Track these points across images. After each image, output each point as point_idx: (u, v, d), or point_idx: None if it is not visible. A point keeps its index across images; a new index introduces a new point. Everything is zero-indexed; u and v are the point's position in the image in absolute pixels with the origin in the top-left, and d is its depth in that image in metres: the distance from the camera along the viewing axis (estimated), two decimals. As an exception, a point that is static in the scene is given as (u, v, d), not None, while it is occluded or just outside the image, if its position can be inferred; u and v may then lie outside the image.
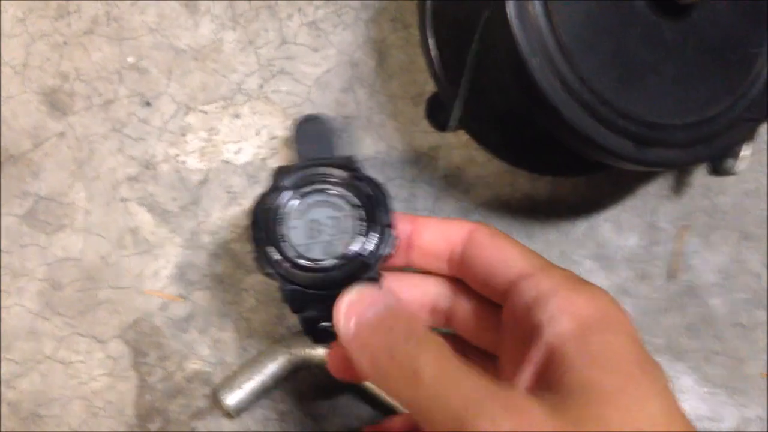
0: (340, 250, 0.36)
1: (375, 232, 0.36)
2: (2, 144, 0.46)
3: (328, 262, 0.36)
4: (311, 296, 0.35)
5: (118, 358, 0.44)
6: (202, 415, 0.44)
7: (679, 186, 0.49)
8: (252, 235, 0.35)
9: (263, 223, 0.36)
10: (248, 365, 0.44)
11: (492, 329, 0.36)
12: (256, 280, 0.46)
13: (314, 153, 0.39)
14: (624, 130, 0.37)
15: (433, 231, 0.36)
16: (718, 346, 0.47)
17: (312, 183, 0.37)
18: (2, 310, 0.44)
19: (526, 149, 0.44)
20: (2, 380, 0.44)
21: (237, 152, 0.47)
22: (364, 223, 0.36)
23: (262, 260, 0.35)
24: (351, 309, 0.32)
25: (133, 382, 0.44)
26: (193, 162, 0.47)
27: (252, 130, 0.47)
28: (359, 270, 0.35)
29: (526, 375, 0.30)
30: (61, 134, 0.46)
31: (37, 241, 0.45)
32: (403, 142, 0.48)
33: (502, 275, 0.33)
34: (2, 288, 0.44)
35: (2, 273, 0.44)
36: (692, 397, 0.46)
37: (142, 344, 0.44)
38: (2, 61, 0.46)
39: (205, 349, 0.45)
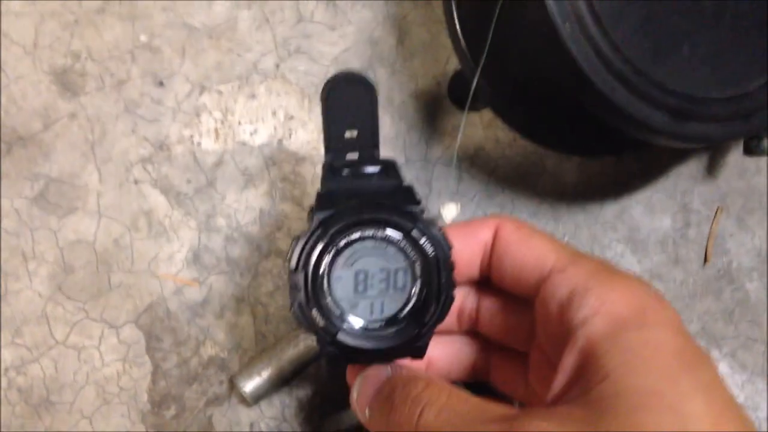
0: (391, 311, 0.31)
1: (434, 294, 0.30)
2: (12, 125, 0.44)
3: (377, 329, 0.31)
4: (352, 359, 0.31)
5: (132, 344, 0.43)
6: (218, 401, 0.43)
7: (714, 166, 0.46)
8: (290, 290, 0.30)
9: (302, 276, 0.29)
10: (267, 352, 0.42)
11: (519, 326, 0.34)
12: (273, 264, 0.44)
13: (346, 123, 0.32)
14: (659, 103, 0.36)
15: (461, 239, 0.33)
16: (756, 333, 0.45)
17: (362, 227, 0.30)
18: (11, 294, 0.43)
19: (553, 127, 0.42)
20: (12, 366, 0.42)
21: (253, 133, 0.46)
22: (421, 282, 0.31)
23: (303, 322, 0.30)
24: (361, 399, 0.31)
25: (147, 368, 0.43)
26: (208, 143, 0.45)
27: (268, 111, 0.46)
28: (412, 339, 0.30)
29: (559, 383, 0.28)
30: (73, 115, 0.45)
31: (48, 224, 0.44)
32: (424, 123, 0.46)
33: (532, 271, 0.32)
34: (12, 272, 0.43)
35: (12, 256, 0.43)
36: (729, 384, 0.44)
37: (157, 329, 0.43)
38: (12, 41, 0.45)
39: (221, 334, 0.43)
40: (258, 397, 0.42)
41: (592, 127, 0.40)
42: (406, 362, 0.32)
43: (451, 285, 0.30)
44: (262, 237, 0.45)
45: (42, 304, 0.43)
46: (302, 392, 0.43)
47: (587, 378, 0.27)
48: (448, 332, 0.37)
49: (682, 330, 0.28)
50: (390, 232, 0.30)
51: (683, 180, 0.46)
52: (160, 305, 0.43)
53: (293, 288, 0.29)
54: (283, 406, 0.43)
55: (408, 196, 0.31)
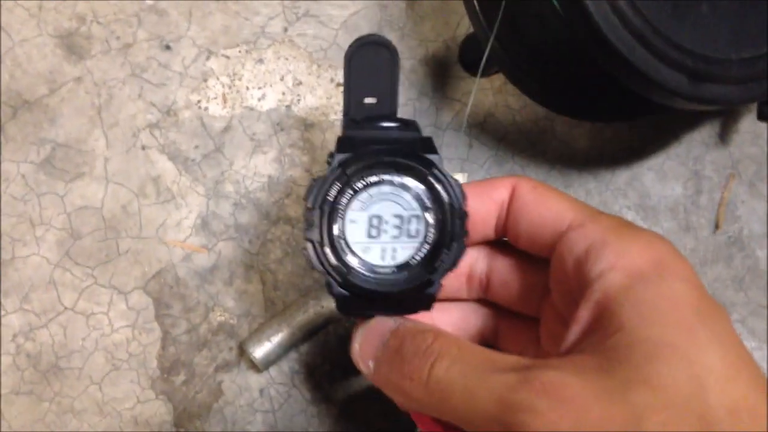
0: (402, 258, 0.31)
1: (446, 242, 0.30)
2: (17, 89, 0.44)
3: (389, 274, 0.30)
4: (362, 303, 0.31)
5: (141, 310, 0.42)
6: (228, 367, 0.42)
7: (726, 133, 0.46)
8: (304, 227, 0.30)
9: (317, 216, 0.30)
10: (276, 317, 0.42)
11: (531, 291, 0.33)
12: (282, 231, 0.44)
13: (366, 89, 0.32)
14: (678, 63, 0.35)
15: (477, 197, 0.32)
16: (766, 299, 0.45)
17: (379, 170, 0.30)
18: (19, 260, 0.43)
19: (567, 92, 0.42)
20: (21, 332, 0.42)
21: (261, 98, 0.45)
22: (434, 230, 0.31)
23: (314, 259, 0.30)
24: (364, 350, 0.31)
25: (156, 335, 0.42)
26: (216, 108, 0.45)
27: (276, 76, 0.45)
28: (423, 285, 0.31)
29: (573, 335, 0.28)
30: (79, 79, 0.44)
31: (55, 189, 0.43)
32: (435, 88, 0.46)
33: (549, 228, 0.31)
34: (19, 237, 0.43)
35: (19, 222, 0.43)
36: (740, 352, 0.44)
37: (166, 296, 0.43)
38: (16, 2, 0.44)
39: (230, 301, 0.43)
40: (268, 363, 0.42)
41: (605, 91, 0.40)
42: (415, 317, 0.32)
43: (464, 233, 0.31)
44: (270, 203, 0.44)
45: (50, 270, 0.42)
46: (311, 359, 0.43)
47: (602, 330, 0.26)
48: (456, 299, 0.36)
49: (699, 284, 0.28)
50: (406, 178, 0.30)
51: (695, 146, 0.46)
52: (168, 272, 0.43)
53: (309, 225, 0.30)
54: (293, 372, 0.43)
55: (427, 144, 0.31)
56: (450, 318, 0.36)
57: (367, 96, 0.33)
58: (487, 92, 0.46)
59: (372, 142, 0.31)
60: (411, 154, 0.30)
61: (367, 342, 0.31)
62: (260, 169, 0.44)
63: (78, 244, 0.43)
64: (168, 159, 0.44)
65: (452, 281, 0.34)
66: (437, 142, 0.45)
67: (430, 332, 0.29)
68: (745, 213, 0.45)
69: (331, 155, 0.30)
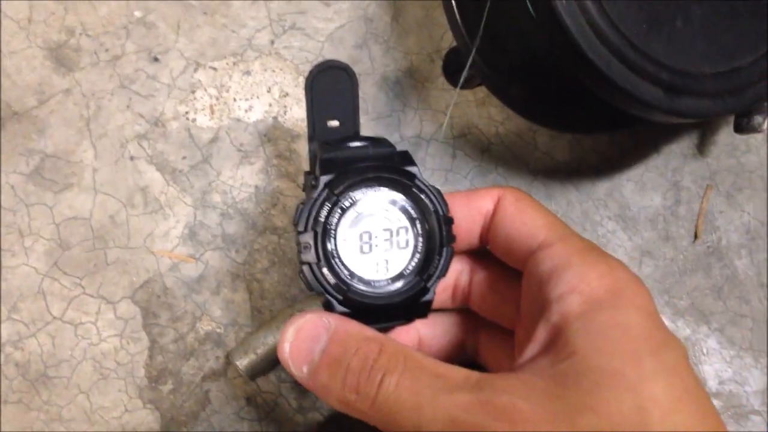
0: (396, 269, 0.31)
1: (436, 249, 0.31)
2: (6, 100, 0.44)
3: (385, 286, 0.31)
4: (362, 317, 0.31)
5: (129, 320, 0.43)
6: (215, 376, 0.43)
7: (704, 144, 0.47)
8: (299, 251, 0.30)
9: (315, 237, 0.30)
10: (263, 327, 0.42)
11: (508, 303, 0.34)
12: (269, 241, 0.45)
13: (329, 112, 0.34)
14: (654, 77, 0.36)
15: (463, 207, 0.34)
16: (744, 309, 0.46)
17: (364, 187, 0.31)
18: (8, 270, 0.43)
19: (547, 104, 0.43)
20: (9, 341, 0.42)
21: (248, 110, 0.46)
22: (423, 238, 0.32)
23: (313, 281, 0.30)
24: (296, 354, 0.29)
25: (144, 344, 0.43)
26: (203, 119, 0.45)
27: (263, 87, 0.46)
28: (417, 294, 0.31)
29: (529, 353, 0.29)
30: (67, 91, 0.45)
31: (44, 200, 0.44)
32: (419, 100, 0.46)
33: (522, 244, 0.32)
34: (8, 247, 0.43)
35: (8, 232, 0.43)
36: (717, 359, 0.45)
37: (153, 305, 0.43)
38: (6, 16, 0.45)
39: (217, 310, 0.43)
40: (254, 373, 0.42)
41: (585, 104, 0.41)
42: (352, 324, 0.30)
43: (451, 238, 0.32)
44: (257, 214, 0.45)
45: (39, 280, 0.43)
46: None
47: (555, 353, 0.27)
48: (441, 309, 0.37)
49: (654, 314, 0.28)
50: (391, 191, 0.31)
51: (674, 158, 0.47)
52: (156, 281, 0.43)
53: (303, 248, 0.30)
54: (279, 381, 0.43)
55: (405, 158, 0.32)
56: (433, 328, 0.37)
57: (330, 119, 0.34)
58: (471, 104, 0.47)
59: (353, 161, 0.32)
60: (392, 169, 0.31)
61: (301, 344, 0.30)
62: (247, 179, 0.45)
63: (66, 254, 0.43)
64: (156, 169, 0.45)
65: (439, 291, 0.35)
66: (422, 153, 0.46)
67: (375, 342, 0.29)
68: (723, 223, 0.46)
69: (308, 175, 0.31)
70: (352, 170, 0.31)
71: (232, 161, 0.45)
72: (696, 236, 0.46)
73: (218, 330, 0.43)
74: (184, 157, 0.45)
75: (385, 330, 0.32)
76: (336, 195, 0.31)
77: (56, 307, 0.43)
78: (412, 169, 0.32)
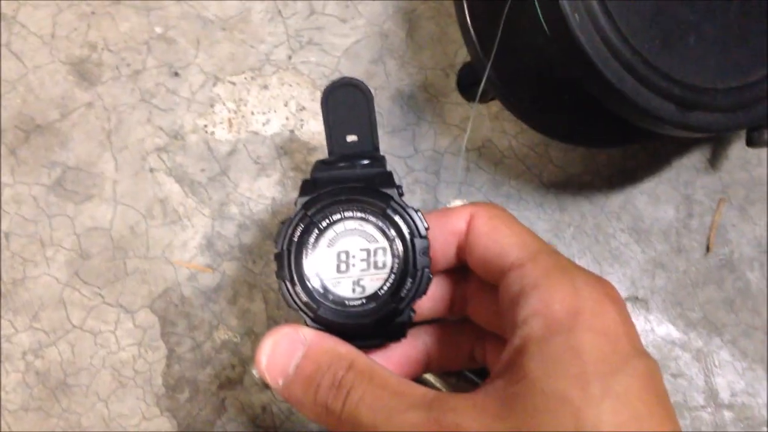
0: (371, 289, 0.32)
1: (412, 270, 0.32)
2: (30, 114, 0.45)
3: (357, 306, 0.32)
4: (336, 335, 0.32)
5: (147, 328, 0.44)
6: (231, 385, 0.44)
7: (716, 158, 0.47)
8: (276, 268, 0.32)
9: (286, 256, 0.32)
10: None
11: (498, 315, 0.34)
12: (286, 252, 0.45)
13: (346, 128, 0.35)
14: (667, 93, 0.37)
15: (436, 228, 0.34)
16: (757, 321, 0.46)
17: (341, 208, 0.32)
18: (30, 279, 0.44)
19: (561, 118, 0.43)
20: (30, 349, 0.43)
21: (265, 123, 0.47)
22: (399, 260, 0.32)
23: (288, 298, 0.32)
24: (272, 367, 0.31)
25: (162, 353, 0.43)
26: (222, 133, 0.46)
27: (280, 101, 0.47)
28: (391, 314, 0.32)
29: (493, 377, 0.29)
30: (89, 104, 0.46)
31: (65, 211, 0.44)
32: (433, 114, 0.47)
33: (497, 263, 0.32)
34: (30, 258, 0.44)
35: (30, 243, 0.44)
36: (729, 371, 0.45)
37: (171, 314, 0.44)
38: (30, 31, 0.46)
39: (234, 319, 0.44)
40: (270, 380, 0.43)
41: (598, 118, 0.41)
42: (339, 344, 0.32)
43: (426, 262, 0.32)
44: (274, 225, 0.45)
45: (59, 290, 0.44)
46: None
47: (510, 375, 0.28)
48: (440, 319, 0.37)
49: (614, 336, 0.28)
50: (368, 212, 0.32)
51: (686, 171, 0.47)
52: (174, 291, 0.44)
53: (279, 266, 0.31)
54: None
55: (385, 179, 0.33)
56: (440, 338, 0.37)
57: (348, 134, 0.35)
58: (485, 118, 0.47)
59: (334, 182, 0.33)
60: (369, 190, 0.32)
61: (276, 359, 0.31)
62: (264, 191, 0.46)
63: (87, 264, 0.44)
64: (175, 181, 0.45)
65: (432, 304, 0.35)
66: (436, 166, 0.46)
67: (344, 360, 0.30)
68: (735, 236, 0.47)
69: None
70: (328, 192, 0.32)
71: (250, 173, 0.46)
72: (708, 249, 0.46)
73: (235, 339, 0.44)
74: (202, 170, 0.46)
75: (366, 348, 0.32)
76: (310, 216, 0.32)
77: (76, 316, 0.44)
78: (389, 190, 0.32)
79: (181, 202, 0.45)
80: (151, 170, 0.45)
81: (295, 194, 0.45)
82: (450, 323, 0.38)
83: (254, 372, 0.42)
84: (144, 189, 0.45)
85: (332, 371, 0.30)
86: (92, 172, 0.45)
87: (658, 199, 0.47)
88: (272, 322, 0.44)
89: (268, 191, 0.46)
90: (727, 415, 0.45)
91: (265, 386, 0.42)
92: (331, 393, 0.29)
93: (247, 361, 0.43)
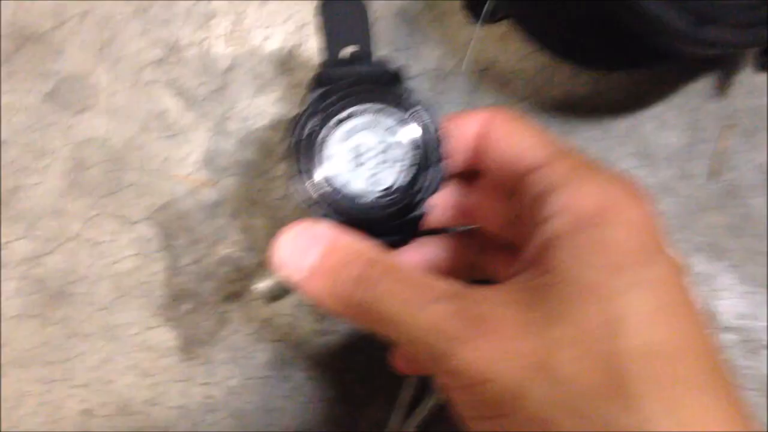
0: (386, 183, 0.32)
1: (427, 164, 0.31)
2: (23, 23, 0.44)
3: (372, 200, 0.31)
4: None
5: (148, 240, 0.43)
6: (233, 298, 0.43)
7: (725, 85, 0.47)
8: (288, 164, 0.31)
9: (299, 150, 0.30)
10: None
11: (513, 221, 0.33)
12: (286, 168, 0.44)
13: (344, 40, 0.33)
14: (683, 5, 0.36)
15: (452, 128, 0.33)
16: (760, 246, 0.46)
17: (356, 102, 0.31)
18: (26, 188, 0.43)
19: (572, 39, 0.42)
20: (29, 257, 0.42)
21: (266, 39, 0.45)
22: (416, 153, 0.31)
23: (298, 193, 0.31)
24: (292, 260, 0.30)
25: (163, 264, 0.43)
26: (220, 47, 0.45)
27: (281, 16, 0.46)
28: (405, 208, 0.32)
29: (515, 271, 0.28)
30: (84, 14, 0.44)
31: (60, 122, 0.43)
32: (438, 34, 0.46)
33: (515, 166, 0.31)
34: (25, 167, 0.43)
35: (25, 152, 0.43)
36: (732, 295, 0.45)
37: (172, 227, 0.43)
38: (22, -66, 0.44)
39: (236, 234, 0.43)
40: (272, 296, 0.42)
41: (610, 38, 0.40)
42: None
43: (444, 156, 0.31)
44: (275, 142, 0.45)
45: (56, 199, 0.43)
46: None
47: (537, 267, 0.27)
48: (446, 229, 0.37)
49: (646, 229, 0.27)
50: (384, 105, 0.31)
51: (693, 97, 0.47)
52: (174, 204, 0.43)
53: (291, 161, 0.30)
54: (300, 303, 0.44)
55: (398, 75, 0.32)
56: (439, 249, 0.37)
57: (344, 47, 0.33)
58: (490, 40, 0.46)
59: (346, 77, 0.31)
60: (384, 84, 0.31)
61: (296, 253, 0.30)
62: (264, 108, 0.45)
63: (84, 174, 0.43)
64: (173, 95, 0.44)
65: (440, 212, 0.35)
66: (441, 86, 0.45)
67: (366, 253, 0.29)
68: (740, 163, 0.46)
69: (307, 90, 0.31)
70: (343, 85, 0.31)
71: (250, 90, 0.45)
72: (713, 175, 0.46)
73: (237, 253, 0.43)
74: (200, 84, 0.44)
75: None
76: (323, 109, 0.31)
77: (75, 225, 0.43)
78: (405, 85, 0.32)
79: (180, 116, 0.44)
80: (148, 83, 0.44)
81: (296, 112, 0.44)
82: (453, 234, 0.37)
83: (256, 287, 0.41)
84: (140, 102, 0.44)
85: (356, 264, 0.29)
86: (87, 83, 0.44)
87: (664, 125, 0.46)
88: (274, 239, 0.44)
89: (269, 108, 0.45)
90: (731, 337, 0.45)
91: (271, 299, 0.41)
92: (355, 286, 0.28)
93: (250, 276, 0.42)
